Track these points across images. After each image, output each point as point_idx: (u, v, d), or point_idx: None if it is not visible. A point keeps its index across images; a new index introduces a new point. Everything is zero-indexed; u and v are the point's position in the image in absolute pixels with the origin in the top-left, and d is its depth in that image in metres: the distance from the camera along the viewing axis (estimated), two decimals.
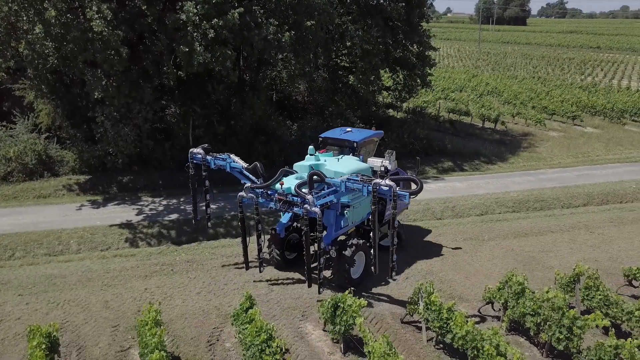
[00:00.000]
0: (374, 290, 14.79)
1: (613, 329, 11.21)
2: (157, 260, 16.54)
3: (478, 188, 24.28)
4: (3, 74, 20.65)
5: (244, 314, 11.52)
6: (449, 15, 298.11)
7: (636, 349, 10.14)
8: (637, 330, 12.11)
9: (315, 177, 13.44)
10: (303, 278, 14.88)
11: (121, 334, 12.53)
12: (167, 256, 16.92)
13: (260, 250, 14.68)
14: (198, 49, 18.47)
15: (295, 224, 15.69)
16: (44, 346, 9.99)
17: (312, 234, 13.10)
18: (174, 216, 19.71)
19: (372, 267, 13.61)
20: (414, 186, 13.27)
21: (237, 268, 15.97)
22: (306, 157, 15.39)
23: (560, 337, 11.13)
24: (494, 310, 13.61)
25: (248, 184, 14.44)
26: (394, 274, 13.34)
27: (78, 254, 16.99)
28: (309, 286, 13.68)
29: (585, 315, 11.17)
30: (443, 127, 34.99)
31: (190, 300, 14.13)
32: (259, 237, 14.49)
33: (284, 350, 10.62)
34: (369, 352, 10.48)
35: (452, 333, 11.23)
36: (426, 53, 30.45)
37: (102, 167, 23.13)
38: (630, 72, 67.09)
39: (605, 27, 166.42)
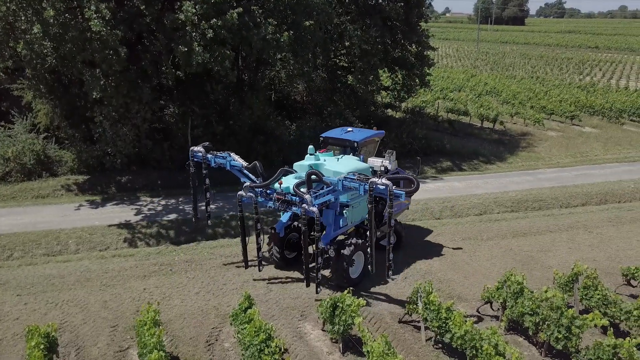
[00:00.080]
0: (373, 290, 14.80)
1: (611, 329, 11.24)
2: (156, 260, 16.52)
3: (477, 188, 24.29)
4: (1, 73, 20.67)
5: (243, 314, 11.51)
6: (447, 15, 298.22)
7: (634, 348, 10.16)
8: (635, 329, 12.13)
9: (313, 176, 13.46)
10: (302, 277, 14.88)
11: (120, 334, 12.52)
12: (166, 256, 16.91)
13: (259, 249, 14.75)
14: (197, 48, 18.45)
15: (295, 223, 15.72)
16: (42, 346, 9.98)
17: (310, 233, 13.12)
18: (172, 216, 19.69)
19: (369, 266, 13.67)
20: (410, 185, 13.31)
21: (237, 267, 15.97)
22: (306, 156, 15.41)
23: (559, 336, 11.14)
24: (493, 309, 13.62)
25: (247, 183, 14.49)
26: (390, 272, 13.39)
27: (77, 254, 16.97)
28: (307, 285, 13.72)
29: (584, 315, 11.20)
30: (442, 127, 35.01)
31: (189, 300, 14.13)
32: (258, 236, 14.55)
33: (282, 350, 10.63)
34: (367, 351, 10.48)
35: (451, 332, 11.24)
36: (425, 53, 30.47)
37: (101, 167, 23.12)
38: (628, 72, 67.19)
39: (603, 27, 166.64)
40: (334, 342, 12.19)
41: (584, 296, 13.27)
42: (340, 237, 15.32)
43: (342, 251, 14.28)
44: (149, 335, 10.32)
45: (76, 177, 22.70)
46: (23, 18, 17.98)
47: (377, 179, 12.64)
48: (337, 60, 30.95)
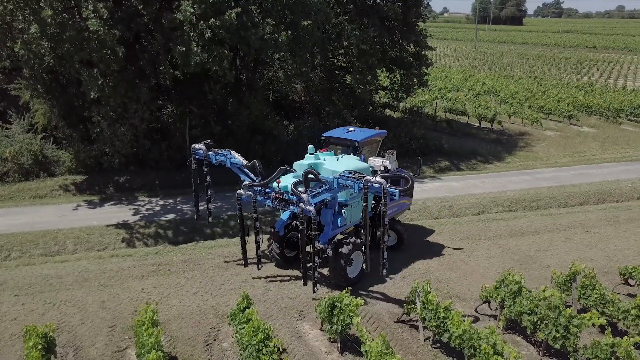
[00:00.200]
0: (371, 289, 14.80)
1: (609, 328, 11.25)
2: (154, 260, 16.51)
3: (475, 187, 24.32)
4: None
5: (241, 314, 11.51)
6: (445, 15, 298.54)
7: (632, 347, 10.18)
8: (633, 328, 12.16)
9: (310, 175, 13.51)
10: (301, 277, 14.87)
11: (118, 334, 12.50)
12: (164, 256, 16.89)
13: (258, 247, 14.81)
14: (195, 48, 18.44)
15: (295, 222, 15.74)
16: (40, 347, 9.96)
17: (307, 232, 13.16)
18: (170, 216, 19.67)
19: (364, 264, 13.70)
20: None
21: (236, 267, 15.98)
22: (306, 155, 15.45)
23: (557, 335, 11.16)
24: (491, 309, 13.64)
25: (247, 182, 14.56)
26: (385, 271, 13.44)
27: (74, 254, 16.94)
28: (305, 284, 13.75)
29: (582, 314, 11.22)
30: (440, 126, 35.03)
31: (187, 300, 14.11)
32: (257, 234, 14.60)
33: (281, 350, 10.62)
34: (366, 351, 10.48)
35: (449, 332, 11.24)
36: (423, 53, 30.48)
37: (99, 167, 23.07)
38: (626, 72, 67.33)
39: (601, 27, 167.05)
40: (333, 341, 12.19)
41: (581, 295, 13.29)
42: (341, 237, 15.34)
43: (340, 250, 14.30)
44: (147, 336, 10.31)
45: (74, 177, 22.65)
46: (20, 18, 17.93)
47: (371, 177, 12.67)
48: (335, 60, 30.95)
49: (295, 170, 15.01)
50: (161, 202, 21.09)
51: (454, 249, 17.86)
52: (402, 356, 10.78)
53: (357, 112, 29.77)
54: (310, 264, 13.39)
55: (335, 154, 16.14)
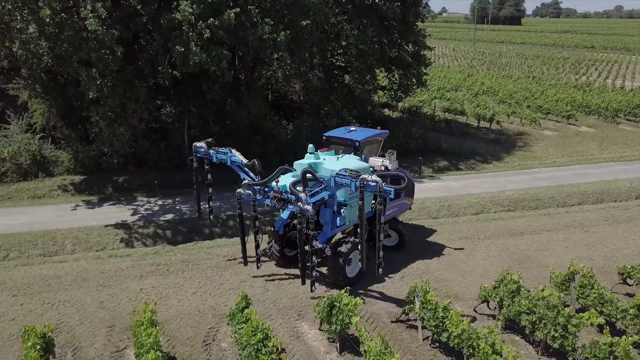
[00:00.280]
0: (370, 289, 14.81)
1: (608, 327, 11.26)
2: (153, 261, 16.50)
3: (473, 187, 24.34)
4: None
5: (240, 314, 11.51)
6: (444, 14, 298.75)
7: (631, 347, 10.19)
8: (631, 328, 12.18)
9: (307, 175, 13.54)
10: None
11: (117, 335, 12.49)
12: (163, 256, 16.88)
13: (257, 246, 14.85)
14: (193, 48, 18.43)
15: (294, 221, 15.76)
16: (38, 347, 9.95)
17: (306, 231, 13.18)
18: (169, 216, 19.66)
19: (360, 262, 13.71)
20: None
21: (234, 267, 15.98)
22: (306, 155, 15.48)
23: (556, 335, 11.18)
24: (490, 308, 13.65)
25: (246, 181, 14.61)
26: (380, 270, 13.48)
27: (73, 255, 16.92)
28: (303, 283, 13.79)
29: (580, 314, 11.22)
30: (438, 126, 35.02)
31: (186, 300, 14.11)
32: (256, 233, 14.63)
33: (280, 350, 10.63)
34: (365, 351, 10.48)
35: (448, 332, 11.25)
36: (421, 52, 30.47)
37: (97, 167, 23.05)
38: (624, 72, 67.41)
39: (599, 27, 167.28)
40: (331, 341, 12.19)
41: (580, 295, 13.31)
42: (340, 237, 15.36)
43: (338, 249, 14.32)
44: (145, 336, 10.30)
45: (72, 177, 22.63)
46: (19, 17, 17.90)
47: (367, 176, 12.70)
48: (334, 60, 30.94)
49: (295, 170, 15.04)
50: (160, 202, 21.07)
51: (453, 248, 17.87)
52: (400, 356, 10.78)
53: (355, 112, 29.75)
54: (309, 263, 13.41)
55: (337, 153, 16.16)
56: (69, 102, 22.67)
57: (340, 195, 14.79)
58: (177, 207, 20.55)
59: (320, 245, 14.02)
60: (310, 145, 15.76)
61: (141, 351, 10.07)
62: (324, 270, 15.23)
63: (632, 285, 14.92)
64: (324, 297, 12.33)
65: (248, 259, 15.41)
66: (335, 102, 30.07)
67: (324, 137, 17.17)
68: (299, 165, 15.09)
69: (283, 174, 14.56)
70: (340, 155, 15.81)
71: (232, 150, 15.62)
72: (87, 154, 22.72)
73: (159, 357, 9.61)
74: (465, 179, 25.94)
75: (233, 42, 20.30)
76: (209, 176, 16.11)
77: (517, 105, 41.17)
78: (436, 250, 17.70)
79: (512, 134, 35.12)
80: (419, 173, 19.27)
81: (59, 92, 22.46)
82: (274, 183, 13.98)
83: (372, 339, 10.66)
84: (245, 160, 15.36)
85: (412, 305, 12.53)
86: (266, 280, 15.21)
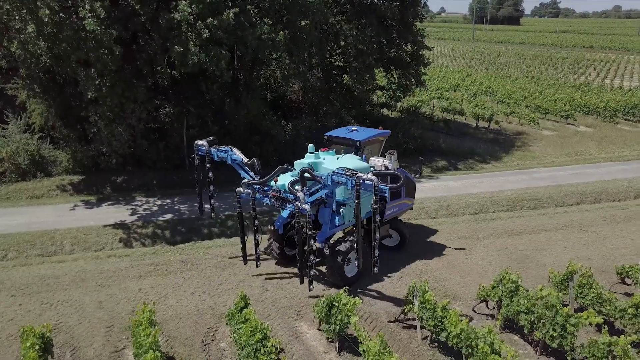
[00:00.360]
0: (369, 289, 14.81)
1: (606, 326, 11.29)
2: (151, 261, 16.49)
3: (472, 187, 24.35)
4: None
5: (239, 314, 11.50)
6: (443, 14, 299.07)
7: (629, 346, 10.21)
8: (630, 327, 12.19)
9: (306, 174, 13.56)
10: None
11: (115, 335, 12.48)
12: (162, 256, 16.87)
13: (257, 245, 14.88)
14: (192, 48, 18.42)
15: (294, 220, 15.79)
16: (37, 347, 9.94)
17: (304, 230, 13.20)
18: (168, 216, 19.64)
19: (356, 261, 13.73)
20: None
21: (233, 267, 15.97)
22: (306, 154, 15.49)
23: (554, 334, 11.19)
24: (488, 308, 13.66)
25: (246, 180, 14.65)
26: (375, 269, 13.49)
27: (71, 255, 16.90)
28: (301, 282, 13.81)
29: (579, 313, 11.23)
30: (437, 126, 35.04)
31: (185, 300, 14.10)
32: (256, 232, 14.66)
33: (278, 349, 10.63)
34: (363, 351, 10.49)
35: (447, 331, 11.26)
36: (420, 52, 30.48)
37: (96, 167, 23.02)
38: (622, 72, 67.51)
39: (598, 27, 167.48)
40: (330, 341, 12.20)
41: (578, 294, 13.33)
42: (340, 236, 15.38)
43: (337, 248, 14.32)
44: (144, 336, 10.29)
45: (71, 177, 22.60)
46: (17, 17, 17.87)
47: (363, 174, 12.70)
48: (333, 60, 30.94)
49: (294, 169, 15.06)
50: (158, 202, 21.06)
51: (452, 248, 17.88)
52: (399, 356, 10.79)
53: (354, 111, 29.75)
54: (307, 262, 13.43)
55: (338, 153, 16.17)
56: (68, 102, 22.65)
57: (339, 194, 14.79)
58: (176, 207, 20.54)
59: (319, 245, 14.04)
60: (311, 145, 15.78)
61: (140, 351, 10.06)
62: (322, 269, 15.24)
63: (630, 284, 14.94)
64: (322, 296, 12.34)
65: (248, 258, 15.41)
66: (334, 102, 30.07)
67: (326, 137, 17.17)
68: (299, 164, 15.10)
69: (283, 173, 14.59)
70: (340, 155, 15.81)
71: (233, 149, 15.70)
72: (86, 154, 22.70)
73: (157, 357, 9.61)
74: (463, 178, 25.95)
75: (232, 42, 20.29)
76: (210, 174, 16.16)
77: (516, 105, 41.20)
78: (435, 250, 17.71)
79: (510, 133, 35.14)
80: (419, 174, 19.25)
81: (58, 92, 22.44)
82: (273, 182, 14.02)
83: (371, 339, 10.67)
84: (245, 159, 15.44)
85: (411, 305, 12.54)
86: (265, 280, 15.21)
